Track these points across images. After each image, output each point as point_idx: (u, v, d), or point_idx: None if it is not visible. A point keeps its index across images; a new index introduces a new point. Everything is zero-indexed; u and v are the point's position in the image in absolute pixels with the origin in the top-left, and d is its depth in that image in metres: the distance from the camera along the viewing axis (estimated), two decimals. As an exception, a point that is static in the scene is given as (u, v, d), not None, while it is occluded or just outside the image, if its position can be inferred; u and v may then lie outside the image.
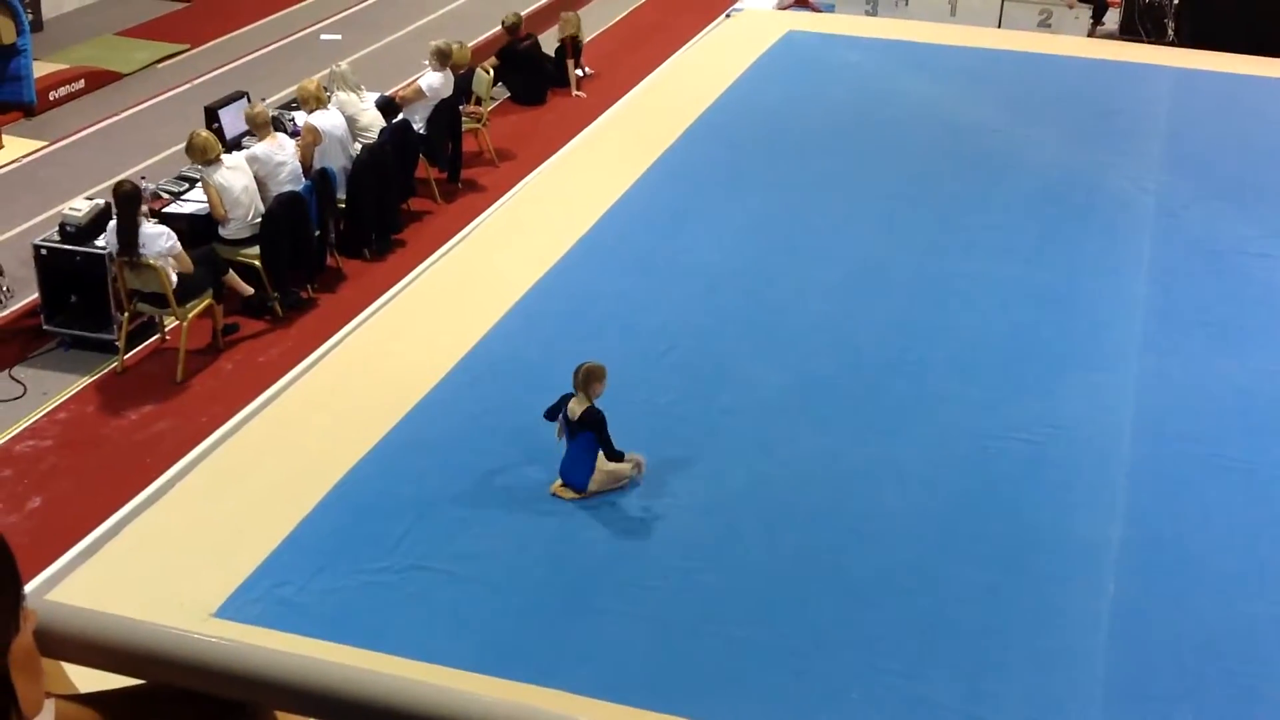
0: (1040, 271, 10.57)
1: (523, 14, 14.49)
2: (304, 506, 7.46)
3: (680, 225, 11.16)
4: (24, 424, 8.42)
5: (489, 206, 11.61)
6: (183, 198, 10.17)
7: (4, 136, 12.28)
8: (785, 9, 17.91)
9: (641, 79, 14.62)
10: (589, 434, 7.48)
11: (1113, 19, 17.59)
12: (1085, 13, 17.68)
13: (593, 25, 16.16)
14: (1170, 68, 15.43)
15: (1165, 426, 8.56)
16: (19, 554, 1.41)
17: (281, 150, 10.00)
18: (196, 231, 9.73)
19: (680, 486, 7.77)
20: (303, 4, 16.78)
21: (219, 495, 7.65)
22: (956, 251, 10.90)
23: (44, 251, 9.24)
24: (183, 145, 9.84)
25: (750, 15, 16.91)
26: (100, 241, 9.11)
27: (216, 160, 9.57)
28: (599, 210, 11.31)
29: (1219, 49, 15.77)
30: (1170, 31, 17.01)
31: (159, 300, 8.95)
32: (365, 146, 10.80)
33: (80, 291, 9.30)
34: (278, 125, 10.55)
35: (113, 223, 8.85)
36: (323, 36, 15.57)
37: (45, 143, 12.39)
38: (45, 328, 9.32)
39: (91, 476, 7.91)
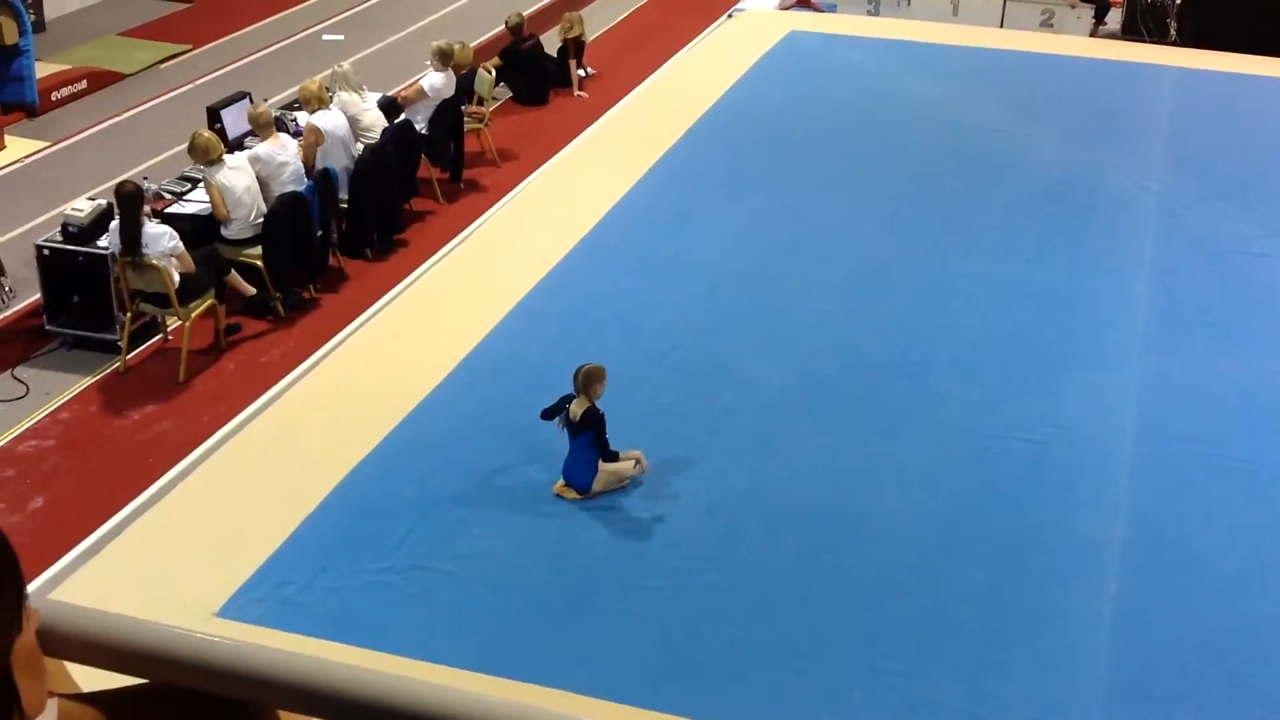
0: (1042, 271, 10.57)
1: (525, 14, 14.49)
2: (306, 506, 7.46)
3: (682, 225, 11.16)
4: (26, 424, 8.43)
5: (491, 207, 11.61)
6: (185, 198, 10.17)
7: (6, 137, 12.29)
8: (787, 9, 17.90)
9: (643, 79, 14.62)
10: (590, 434, 7.49)
11: (1115, 19, 17.59)
12: (1087, 12, 17.68)
13: (595, 25, 16.15)
14: (1172, 68, 15.42)
15: (1167, 426, 8.56)
16: (21, 554, 1.41)
17: (284, 150, 10.01)
18: (199, 232, 9.73)
19: (681, 486, 7.77)
20: (305, 4, 16.78)
21: (221, 495, 7.65)
22: (958, 251, 10.90)
23: (46, 252, 9.24)
24: (185, 145, 9.85)
25: (752, 15, 16.90)
26: (103, 242, 9.12)
27: (219, 160, 9.58)
28: (601, 210, 11.31)
29: (1221, 49, 15.76)
30: (1173, 31, 17.02)
31: (161, 300, 8.96)
32: (367, 147, 10.80)
33: (83, 292, 9.30)
34: (280, 125, 10.54)
35: (115, 223, 8.86)
36: (325, 37, 15.57)
37: (47, 143, 12.39)
38: (48, 328, 9.33)
39: (94, 476, 7.92)
